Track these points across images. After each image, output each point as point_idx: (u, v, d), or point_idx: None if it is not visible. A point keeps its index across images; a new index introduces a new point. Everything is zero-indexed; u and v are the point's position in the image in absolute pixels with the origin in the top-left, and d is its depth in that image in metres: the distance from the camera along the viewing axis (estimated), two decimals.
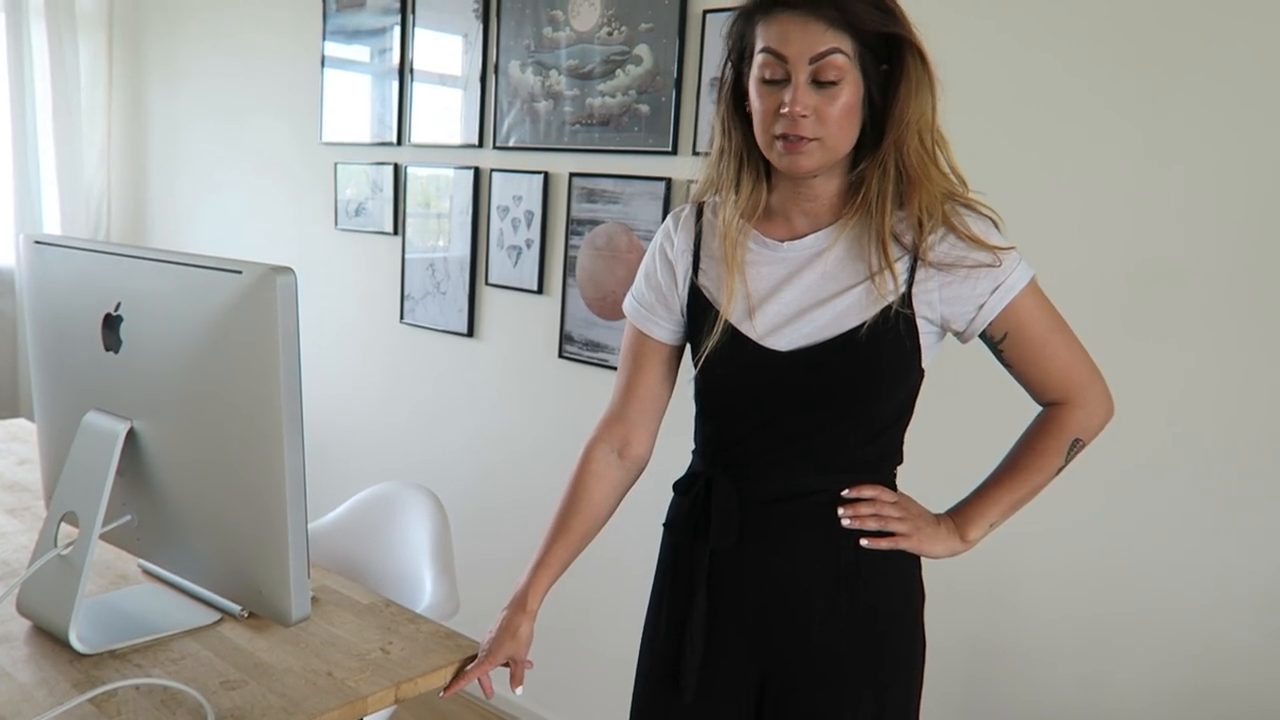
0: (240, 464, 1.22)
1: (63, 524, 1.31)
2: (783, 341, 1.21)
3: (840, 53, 1.10)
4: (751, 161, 1.23)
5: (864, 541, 1.22)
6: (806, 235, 1.22)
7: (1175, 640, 1.69)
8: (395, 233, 2.93)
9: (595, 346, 2.44)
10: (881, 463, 1.27)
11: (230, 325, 1.19)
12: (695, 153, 2.22)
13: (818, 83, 1.11)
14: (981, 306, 1.18)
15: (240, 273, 1.18)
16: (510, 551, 2.67)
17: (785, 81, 1.12)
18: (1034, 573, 1.80)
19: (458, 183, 2.73)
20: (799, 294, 1.21)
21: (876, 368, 1.19)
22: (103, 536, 1.30)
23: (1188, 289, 1.65)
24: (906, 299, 1.17)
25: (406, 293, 2.91)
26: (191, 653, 1.29)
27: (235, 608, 1.39)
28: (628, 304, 1.37)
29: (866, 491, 1.23)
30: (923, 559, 1.29)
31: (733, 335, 1.23)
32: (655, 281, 1.33)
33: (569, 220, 2.47)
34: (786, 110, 1.11)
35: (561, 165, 2.49)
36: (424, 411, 2.93)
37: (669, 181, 2.27)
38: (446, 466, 2.83)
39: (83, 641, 1.26)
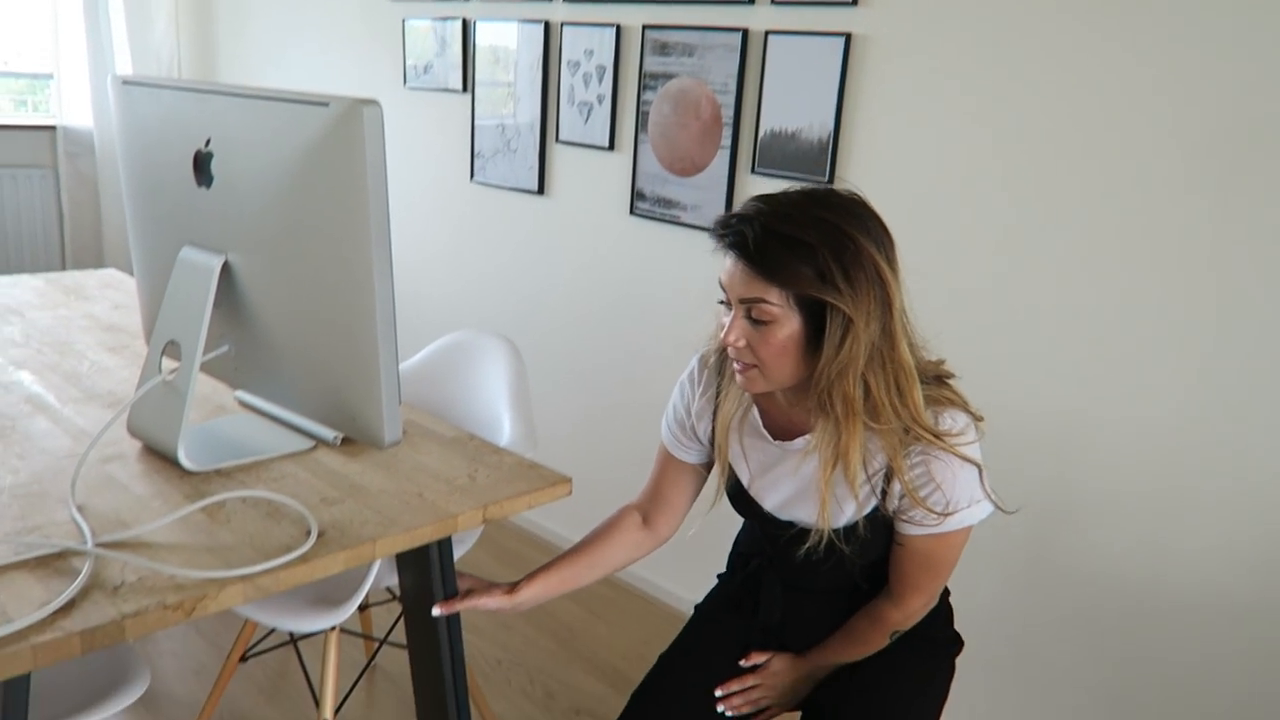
0: (332, 293, 1.26)
1: (164, 358, 1.38)
2: (786, 514, 1.35)
3: (767, 302, 1.14)
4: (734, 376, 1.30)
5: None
6: (795, 437, 1.30)
7: (1245, 512, 1.68)
8: (464, 90, 2.91)
9: (667, 204, 2.42)
10: (875, 582, 1.37)
11: (318, 158, 1.21)
12: (774, 1, 2.14)
13: (752, 319, 1.16)
14: (914, 521, 1.24)
15: (327, 105, 1.19)
16: (581, 406, 2.74)
17: (729, 310, 1.20)
18: (1107, 433, 1.79)
19: (527, 37, 2.68)
20: (789, 484, 1.32)
21: (855, 553, 1.30)
22: (202, 369, 1.37)
23: None
24: (882, 502, 1.25)
25: (476, 151, 2.91)
26: (290, 473, 1.36)
27: (329, 435, 1.46)
28: (663, 426, 1.47)
29: (748, 680, 1.41)
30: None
31: (743, 492, 1.38)
32: (682, 422, 1.44)
33: (641, 75, 2.42)
34: (723, 338, 1.20)
35: (634, 17, 2.43)
36: (495, 270, 2.96)
37: (745, 33, 2.20)
38: (518, 324, 2.88)
39: (190, 460, 1.34)
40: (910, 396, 1.17)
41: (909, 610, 1.34)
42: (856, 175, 2.05)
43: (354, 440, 1.47)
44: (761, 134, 2.20)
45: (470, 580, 1.46)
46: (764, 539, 1.43)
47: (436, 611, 1.41)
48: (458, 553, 1.61)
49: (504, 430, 1.75)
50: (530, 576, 1.42)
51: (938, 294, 1.95)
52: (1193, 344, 1.69)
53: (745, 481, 1.38)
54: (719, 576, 1.58)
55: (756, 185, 2.23)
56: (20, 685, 1.05)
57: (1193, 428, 1.71)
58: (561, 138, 2.66)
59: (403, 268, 3.22)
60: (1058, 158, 1.78)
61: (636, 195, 2.49)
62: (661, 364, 2.50)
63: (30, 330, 1.95)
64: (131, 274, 2.53)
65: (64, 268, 3.97)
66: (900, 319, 1.17)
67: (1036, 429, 1.86)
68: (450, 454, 1.46)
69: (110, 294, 2.26)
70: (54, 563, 1.08)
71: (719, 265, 1.19)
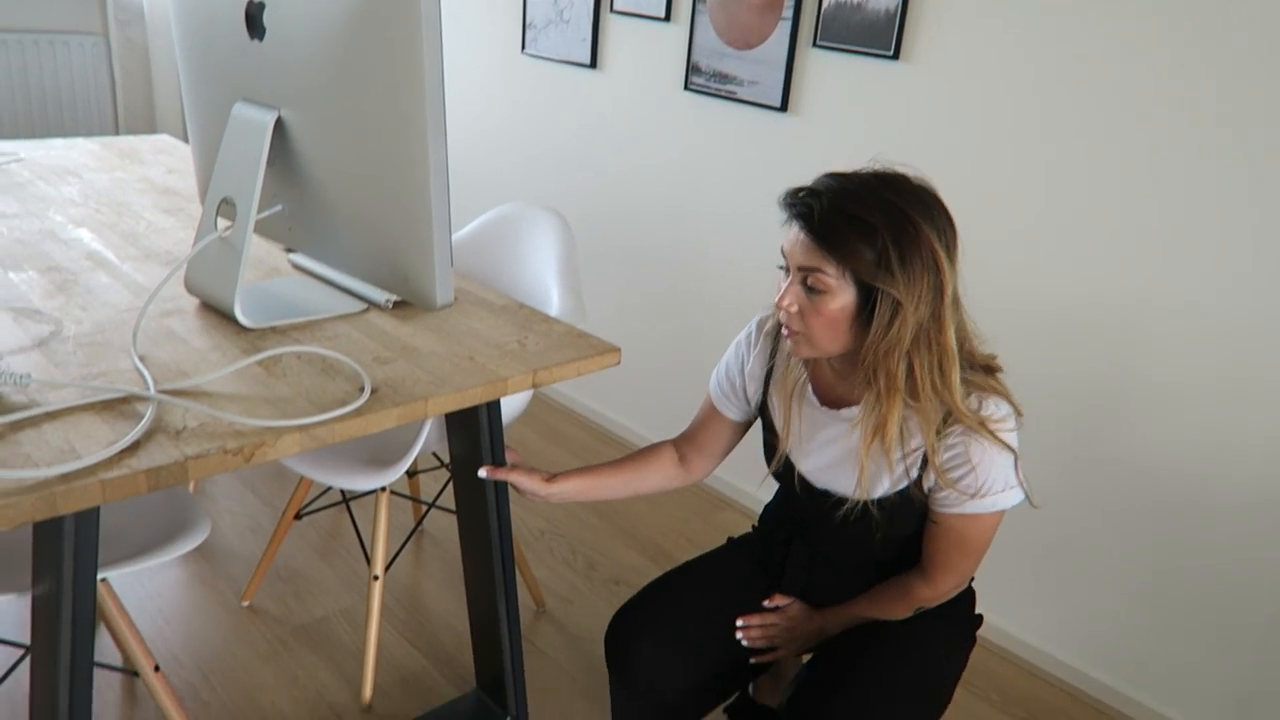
0: (386, 150, 1.24)
1: (219, 218, 1.38)
2: (821, 482, 1.37)
3: (824, 272, 1.17)
4: None
5: (753, 659, 1.46)
6: (843, 406, 1.32)
7: None
8: None
9: (724, 78, 2.35)
10: (901, 560, 1.39)
11: (372, 11, 1.18)
12: None
13: (808, 288, 1.18)
14: (948, 500, 1.26)
15: None
16: (631, 286, 2.73)
17: (787, 274, 1.22)
18: (1166, 323, 1.74)
19: None
20: (830, 452, 1.34)
21: (886, 531, 1.32)
22: (256, 229, 1.37)
23: None
24: (916, 481, 1.27)
25: (528, 21, 2.83)
26: (344, 333, 1.38)
27: (381, 298, 1.47)
28: (713, 379, 1.50)
29: (769, 618, 1.44)
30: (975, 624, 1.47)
31: (788, 460, 1.41)
32: (733, 379, 1.46)
33: None
34: (776, 300, 1.23)
35: None
36: (546, 146, 2.92)
37: None
38: (569, 201, 2.85)
39: (246, 316, 1.36)
40: (950, 379, 1.19)
41: (939, 589, 1.35)
42: (922, 51, 1.97)
43: (405, 304, 1.48)
44: (825, 3, 2.10)
45: (516, 456, 1.49)
46: (797, 506, 1.44)
47: (482, 473, 1.44)
48: (504, 425, 1.64)
49: (553, 303, 1.75)
50: (567, 474, 1.46)
51: (997, 178, 1.89)
52: (1255, 229, 1.62)
53: (789, 446, 1.40)
54: (753, 527, 1.61)
55: (817, 60, 2.15)
56: (90, 519, 1.09)
57: (1255, 316, 1.66)
58: (616, 7, 2.57)
59: (452, 143, 3.18)
60: (1125, 44, 1.69)
61: (692, 69, 2.42)
62: (712, 244, 2.47)
63: (88, 191, 1.97)
64: (184, 140, 2.53)
65: (117, 133, 3.99)
66: (951, 306, 1.18)
67: (1094, 318, 1.82)
68: (500, 321, 1.47)
69: (164, 159, 2.27)
70: (119, 407, 1.11)
71: (784, 235, 1.22)
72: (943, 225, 1.17)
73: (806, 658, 1.50)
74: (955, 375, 1.20)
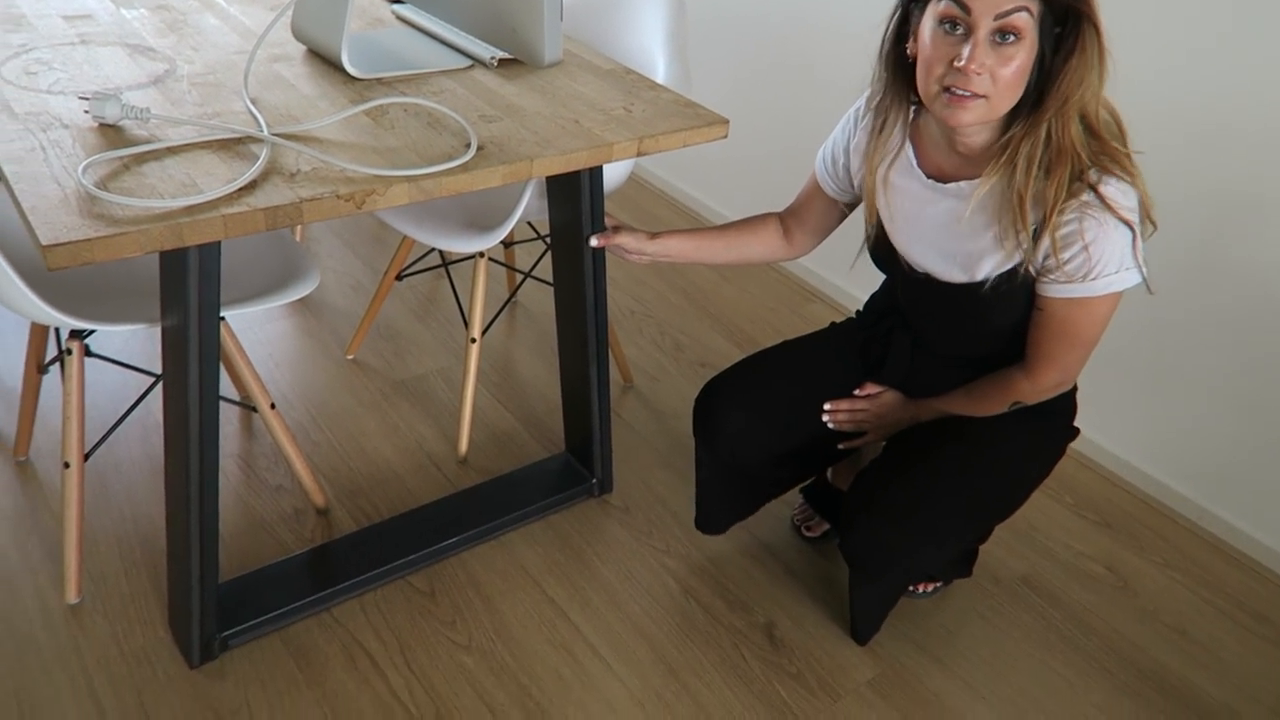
0: None
1: None
2: (923, 263, 1.32)
3: (1026, 11, 1.08)
4: (899, 104, 1.26)
5: (841, 445, 1.49)
6: (952, 181, 1.25)
7: None
8: None
9: None
10: (1018, 352, 1.33)
11: None
12: None
13: (995, 41, 1.09)
14: (1058, 280, 1.20)
15: None
16: (739, 54, 2.61)
17: (962, 33, 1.10)
18: None
19: None
20: (936, 232, 1.29)
21: (991, 316, 1.29)
22: None
23: None
24: (1029, 261, 1.21)
25: None
26: (449, 89, 1.35)
27: (486, 55, 1.43)
28: (819, 155, 1.45)
29: (858, 404, 1.45)
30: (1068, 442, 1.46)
31: (889, 243, 1.36)
32: (837, 157, 1.41)
33: None
34: (961, 64, 1.10)
35: None
36: None
37: None
38: None
39: (353, 65, 1.34)
40: (1101, 136, 1.15)
41: (1040, 383, 1.30)
42: None
43: (510, 63, 1.44)
44: None
45: (616, 220, 1.49)
46: (900, 291, 1.40)
47: (594, 242, 1.45)
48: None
49: (658, 71, 1.69)
50: (671, 232, 1.46)
51: None
52: None
53: (888, 225, 1.34)
54: (856, 313, 1.58)
55: None
56: (212, 253, 1.14)
57: None
58: None
59: None
60: None
61: None
62: (830, 19, 2.32)
63: None
64: None
65: None
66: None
67: (1237, 122, 1.68)
68: (607, 85, 1.42)
69: None
70: (234, 147, 1.13)
71: None
72: None
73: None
74: (1102, 134, 1.14)
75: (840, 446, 1.48)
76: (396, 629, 1.49)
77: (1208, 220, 1.75)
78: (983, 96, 1.11)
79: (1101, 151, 1.15)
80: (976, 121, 1.14)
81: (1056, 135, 1.13)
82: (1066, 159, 1.14)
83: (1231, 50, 1.67)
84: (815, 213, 1.48)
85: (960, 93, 1.11)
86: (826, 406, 1.46)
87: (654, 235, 1.44)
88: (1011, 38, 1.08)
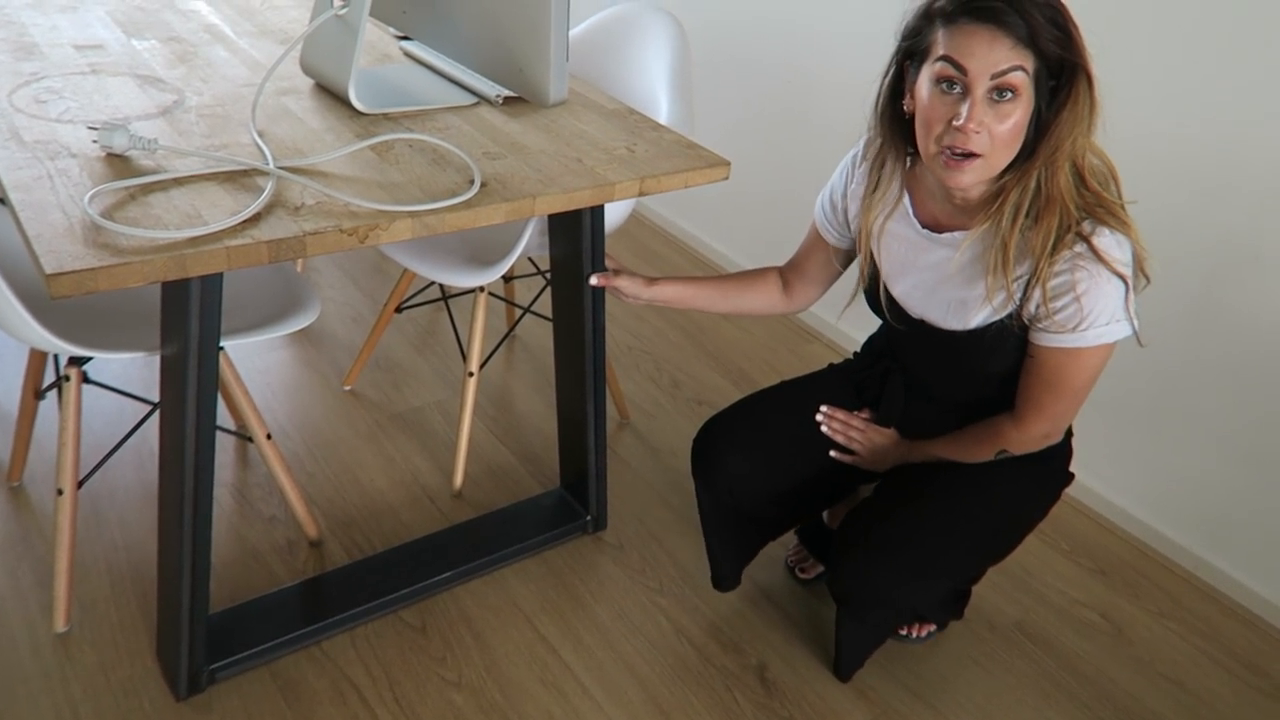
0: None
1: None
2: (918, 310, 1.33)
3: (1021, 70, 1.09)
4: (895, 158, 1.27)
5: (832, 453, 1.46)
6: (947, 230, 1.26)
7: None
8: None
9: None
10: (1000, 401, 1.34)
11: None
12: None
13: (992, 99, 1.10)
14: (1049, 329, 1.21)
15: None
16: (742, 97, 2.64)
17: (960, 92, 1.11)
18: None
19: None
20: (930, 280, 1.30)
21: (984, 364, 1.30)
22: (372, 13, 1.35)
23: None
24: (1017, 313, 1.22)
25: None
26: (454, 125, 1.37)
27: (492, 93, 1.45)
28: (818, 202, 1.45)
29: (855, 419, 1.46)
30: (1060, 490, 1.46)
31: (885, 288, 1.37)
32: (836, 202, 1.41)
33: None
34: (960, 124, 1.10)
35: None
36: None
37: None
38: (686, 2, 2.72)
39: (360, 100, 1.36)
40: (1089, 184, 1.16)
41: (1028, 433, 1.30)
42: None
43: (515, 101, 1.45)
44: None
45: (616, 263, 1.50)
46: (895, 337, 1.41)
47: (593, 281, 1.46)
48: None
49: (661, 111, 1.71)
50: (668, 279, 1.47)
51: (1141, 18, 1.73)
52: None
53: (883, 272, 1.35)
54: (854, 354, 1.59)
55: None
56: (215, 284, 1.14)
57: None
58: None
59: None
60: None
61: None
62: (832, 65, 2.36)
63: None
64: None
65: None
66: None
67: (1237, 163, 1.70)
68: (610, 125, 1.44)
69: None
70: (240, 179, 1.14)
71: (952, 45, 1.10)
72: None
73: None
74: (1093, 185, 1.15)
75: (832, 454, 1.47)
76: (386, 664, 1.47)
77: (1207, 270, 1.77)
78: (980, 156, 1.12)
79: (1097, 203, 1.16)
80: (976, 182, 1.16)
81: (1045, 184, 1.15)
82: (1055, 208, 1.15)
83: (1230, 101, 1.69)
84: (816, 263, 1.49)
85: (958, 154, 1.12)
86: (823, 409, 1.46)
87: (652, 281, 1.45)
88: (1009, 95, 1.09)
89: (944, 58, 1.10)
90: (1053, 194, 1.14)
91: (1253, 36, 1.63)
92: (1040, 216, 1.15)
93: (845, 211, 1.41)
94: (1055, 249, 1.16)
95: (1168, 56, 1.74)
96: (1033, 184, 1.15)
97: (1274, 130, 1.64)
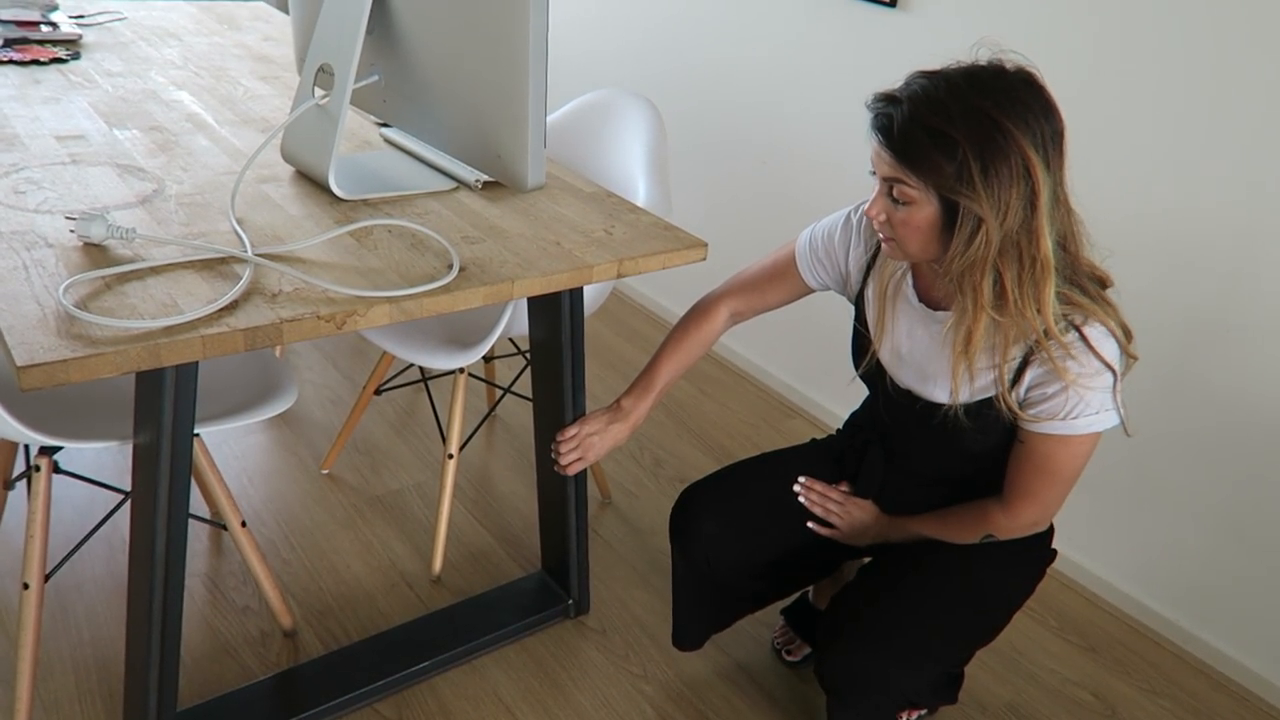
0: (485, 24, 1.22)
1: (315, 87, 1.38)
2: (907, 382, 1.35)
3: (906, 184, 1.13)
4: None
5: (810, 524, 1.45)
6: (940, 308, 1.29)
7: None
8: None
9: None
10: (990, 479, 1.34)
11: None
12: None
13: (893, 197, 1.16)
14: (1040, 416, 1.22)
15: None
16: (719, 179, 2.68)
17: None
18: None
19: None
20: (923, 353, 1.32)
21: (968, 440, 1.29)
22: (352, 101, 1.37)
23: None
24: (1004, 393, 1.22)
25: None
26: (434, 210, 1.38)
27: (471, 178, 1.46)
28: (805, 236, 1.45)
29: (833, 492, 1.46)
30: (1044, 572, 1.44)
31: (876, 360, 1.38)
32: (830, 252, 1.42)
33: None
34: (866, 209, 1.23)
35: None
36: (643, 32, 2.84)
37: None
38: (662, 89, 2.78)
39: (340, 187, 1.37)
40: (1043, 294, 1.13)
41: (1017, 519, 1.30)
42: None
43: (494, 186, 1.47)
44: None
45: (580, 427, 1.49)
46: (882, 409, 1.41)
47: (570, 472, 1.49)
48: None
49: (639, 194, 1.73)
50: (641, 397, 1.47)
51: (1123, 88, 1.78)
52: None
53: (877, 343, 1.36)
54: (837, 431, 1.59)
55: None
56: (189, 373, 1.13)
57: None
58: None
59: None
60: None
61: None
62: (806, 145, 2.40)
63: (188, 54, 1.99)
64: (278, 8, 2.52)
65: None
66: (1048, 213, 1.10)
67: (1207, 237, 1.73)
68: (588, 208, 1.45)
69: (261, 25, 2.27)
70: (218, 267, 1.14)
71: (870, 143, 1.16)
72: (1039, 125, 1.08)
73: (867, 560, 1.50)
74: (1049, 290, 1.12)
75: (809, 525, 1.45)
76: None
77: (1184, 344, 1.79)
78: (892, 240, 1.19)
79: (1086, 296, 1.17)
80: (898, 259, 1.24)
81: (990, 287, 1.14)
82: (1011, 308, 1.14)
83: (1197, 175, 1.73)
84: (777, 291, 1.48)
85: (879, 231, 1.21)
86: (800, 480, 1.45)
87: (625, 418, 1.47)
88: (903, 202, 1.14)
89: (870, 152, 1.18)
90: (1003, 293, 1.14)
91: (1220, 112, 1.68)
92: (1001, 310, 1.15)
93: (842, 268, 1.41)
94: (1041, 339, 1.16)
95: (1135, 134, 1.79)
96: (971, 283, 1.14)
97: (1241, 200, 1.68)
